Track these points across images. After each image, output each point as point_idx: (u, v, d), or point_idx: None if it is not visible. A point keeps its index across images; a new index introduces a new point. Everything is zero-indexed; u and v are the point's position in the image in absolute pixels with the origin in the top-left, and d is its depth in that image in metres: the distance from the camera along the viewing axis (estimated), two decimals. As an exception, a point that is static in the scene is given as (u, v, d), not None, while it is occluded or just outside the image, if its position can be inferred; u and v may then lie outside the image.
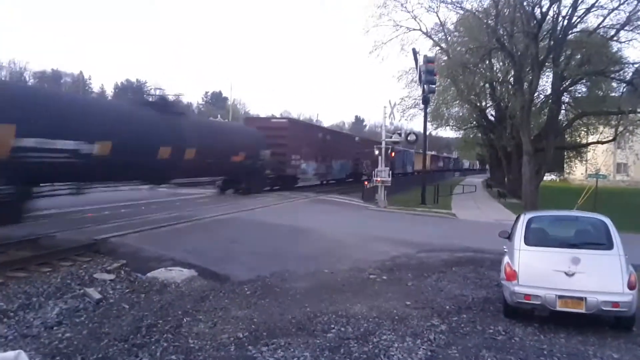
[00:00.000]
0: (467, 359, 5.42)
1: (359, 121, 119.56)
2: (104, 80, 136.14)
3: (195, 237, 11.90)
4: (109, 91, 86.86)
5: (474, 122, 38.68)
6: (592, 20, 25.34)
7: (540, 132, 29.68)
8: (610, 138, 31.35)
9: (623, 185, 53.79)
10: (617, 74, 26.36)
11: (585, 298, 6.22)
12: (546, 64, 25.41)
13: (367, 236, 13.51)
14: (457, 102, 34.35)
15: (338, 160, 36.47)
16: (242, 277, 8.62)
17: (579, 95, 31.29)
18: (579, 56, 26.27)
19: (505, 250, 7.73)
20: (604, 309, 6.22)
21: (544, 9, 23.20)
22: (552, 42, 24.44)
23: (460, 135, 47.45)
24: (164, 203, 18.82)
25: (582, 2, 23.16)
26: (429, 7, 28.33)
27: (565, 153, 38.42)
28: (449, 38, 30.94)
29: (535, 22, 22.91)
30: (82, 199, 14.44)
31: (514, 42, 24.14)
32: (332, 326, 6.32)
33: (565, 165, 41.88)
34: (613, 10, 23.15)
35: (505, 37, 24.16)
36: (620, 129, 29.61)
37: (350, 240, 12.80)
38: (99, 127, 13.20)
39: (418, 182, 34.37)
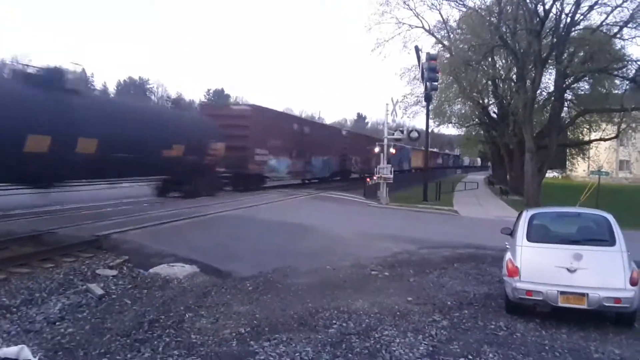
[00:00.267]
0: (469, 354, 5.42)
1: (361, 118, 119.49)
2: (106, 77, 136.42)
3: (197, 234, 11.92)
4: (112, 89, 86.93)
5: (477, 120, 38.68)
6: (595, 18, 25.45)
7: (542, 129, 29.68)
8: (613, 135, 31.30)
9: (626, 182, 53.69)
10: (620, 71, 26.33)
11: (587, 294, 6.22)
12: (549, 61, 25.41)
13: (368, 233, 13.52)
14: (460, 99, 34.35)
15: (320, 156, 32.12)
16: (244, 273, 8.64)
17: (582, 92, 31.28)
18: (581, 53, 26.25)
19: (507, 246, 7.73)
20: (606, 304, 6.23)
21: (546, 7, 23.20)
22: (554, 40, 24.41)
23: (463, 133, 47.46)
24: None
25: (585, -1, 23.09)
26: (432, 4, 28.37)
27: (568, 150, 38.40)
28: (452, 35, 30.96)
29: (538, 19, 22.88)
30: (84, 195, 14.47)
31: (517, 39, 24.13)
32: (334, 322, 6.33)
33: (567, 162, 41.83)
34: (616, 7, 23.13)
35: (508, 34, 24.14)
36: (623, 126, 29.58)
37: (352, 237, 12.81)
38: None
39: (420, 179, 34.38)
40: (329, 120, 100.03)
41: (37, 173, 12.56)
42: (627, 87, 26.95)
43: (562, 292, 6.31)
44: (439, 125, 40.17)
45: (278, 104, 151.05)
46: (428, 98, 26.48)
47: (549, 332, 6.25)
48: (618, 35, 24.79)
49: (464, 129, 44.20)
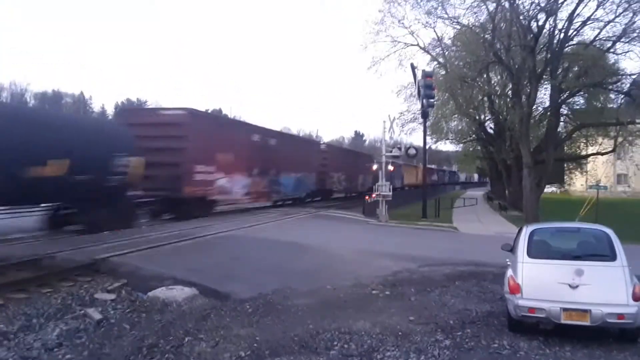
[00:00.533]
0: (472, 374, 5.35)
1: (358, 136, 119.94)
2: (104, 100, 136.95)
3: (196, 255, 11.85)
4: (110, 111, 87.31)
5: (473, 135, 38.80)
6: (588, 33, 25.55)
7: (539, 144, 29.76)
8: (610, 149, 31.41)
9: (624, 196, 53.72)
10: (615, 85, 26.52)
11: (590, 310, 6.16)
12: (544, 76, 25.59)
13: (368, 251, 13.45)
14: (456, 115, 34.51)
15: (291, 173, 27.84)
16: (243, 295, 8.56)
17: (578, 107, 31.46)
18: (576, 68, 26.50)
19: (508, 263, 7.68)
20: (609, 321, 6.16)
21: (540, 23, 23.45)
22: (549, 55, 24.64)
23: (460, 149, 47.59)
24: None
25: (578, 15, 23.39)
26: (426, 22, 28.59)
27: (565, 165, 38.45)
28: (447, 53, 31.21)
29: (531, 35, 23.11)
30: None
31: (511, 55, 24.33)
32: (335, 343, 6.26)
33: (565, 177, 41.88)
34: (609, 22, 23.36)
35: (502, 51, 24.35)
36: (620, 139, 29.68)
37: (352, 256, 12.74)
38: None
39: (415, 196, 34.30)
40: (326, 138, 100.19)
41: None
42: (622, 101, 27.12)
43: (564, 309, 6.25)
44: (436, 141, 40.28)
45: (276, 123, 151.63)
46: (425, 115, 26.61)
47: (552, 350, 6.18)
48: (611, 50, 25.03)
49: (461, 145, 44.34)
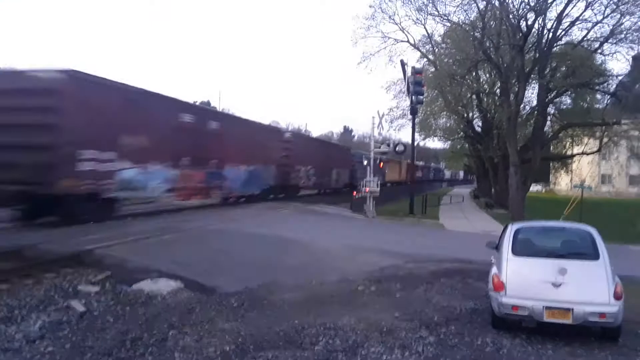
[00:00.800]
0: (456, 371, 5.39)
1: (347, 131, 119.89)
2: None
3: (182, 248, 11.78)
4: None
5: (461, 133, 39.07)
6: (576, 33, 25.95)
7: (526, 143, 30.07)
8: (595, 149, 31.81)
9: (608, 196, 54.47)
10: (601, 86, 26.86)
11: (572, 309, 6.24)
12: (532, 75, 25.84)
13: (355, 247, 13.48)
14: (445, 113, 34.72)
15: (242, 165, 22.99)
16: (229, 289, 8.53)
17: (564, 107, 31.81)
18: (564, 68, 26.79)
19: (493, 261, 7.75)
20: (591, 320, 6.24)
21: (529, 22, 23.64)
22: (537, 55, 24.87)
23: (448, 146, 47.87)
24: None
25: (566, 15, 23.63)
26: (417, 19, 28.71)
27: (551, 164, 38.90)
28: (437, 50, 31.35)
29: (520, 34, 23.29)
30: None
31: (500, 54, 24.52)
32: (320, 338, 6.26)
33: (550, 176, 42.38)
34: (597, 23, 23.65)
35: (491, 49, 24.52)
36: (605, 140, 30.08)
37: (338, 251, 12.75)
38: None
39: (399, 192, 34.42)
40: (315, 132, 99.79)
41: None
42: (608, 101, 27.49)
43: (547, 307, 6.32)
44: (424, 138, 40.53)
45: (265, 116, 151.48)
46: (414, 111, 26.71)
47: (535, 348, 6.25)
48: (599, 51, 25.35)
49: (449, 142, 44.61)
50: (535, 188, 52.84)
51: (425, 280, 9.88)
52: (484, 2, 23.10)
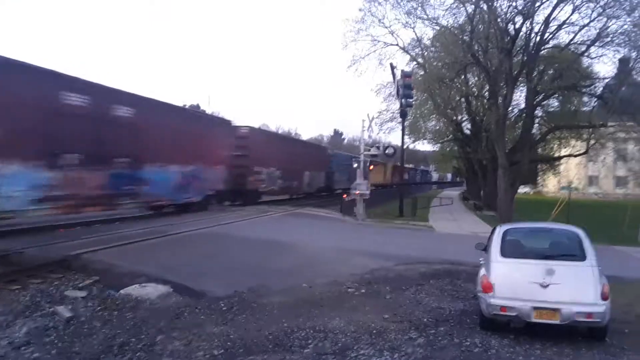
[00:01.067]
0: (445, 372, 5.40)
1: (337, 135, 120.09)
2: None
3: (171, 252, 11.70)
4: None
5: (451, 136, 39.29)
6: (563, 37, 26.06)
7: (514, 145, 30.28)
8: (582, 151, 32.14)
9: (595, 198, 55.04)
10: (588, 88, 27.14)
11: (560, 309, 6.28)
12: (520, 78, 26.05)
13: (345, 249, 13.48)
14: (434, 115, 34.91)
15: (172, 165, 18.33)
16: (218, 293, 8.48)
17: (552, 109, 32.10)
18: (551, 71, 27.02)
19: (482, 262, 7.79)
20: (578, 319, 6.30)
21: (517, 26, 23.83)
22: (525, 58, 25.06)
23: (437, 149, 48.11)
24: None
25: (553, 19, 23.83)
26: (406, 23, 28.79)
27: (539, 166, 39.23)
28: (426, 53, 31.50)
29: (508, 38, 23.48)
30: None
31: (489, 57, 24.67)
32: (310, 341, 6.25)
33: (538, 178, 42.75)
34: (584, 27, 23.88)
35: (480, 52, 24.68)
36: (592, 142, 30.40)
37: (328, 254, 12.74)
38: None
39: (390, 195, 34.43)
40: (306, 136, 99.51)
41: None
42: (595, 104, 27.78)
43: (535, 308, 6.36)
44: (414, 141, 40.67)
45: (255, 120, 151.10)
46: (403, 114, 26.82)
47: (523, 348, 6.28)
48: (586, 54, 25.59)
49: (438, 145, 44.84)
50: (523, 190, 53.30)
51: (414, 282, 9.92)
52: (473, 6, 23.25)
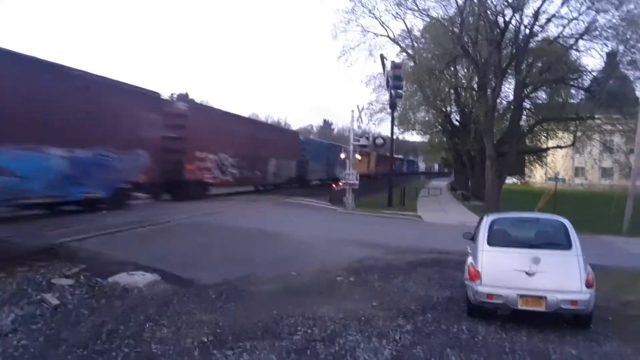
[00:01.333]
0: (432, 358, 5.47)
1: (327, 125, 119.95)
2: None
3: (159, 241, 11.66)
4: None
5: (439, 127, 39.45)
6: (552, 30, 26.24)
7: (502, 136, 30.51)
8: (569, 143, 32.46)
9: (581, 189, 55.66)
10: (576, 81, 27.38)
11: (545, 297, 6.38)
12: (508, 71, 26.20)
13: (334, 239, 13.53)
14: (424, 107, 34.99)
15: (64, 146, 13.82)
16: (207, 281, 8.48)
17: (540, 101, 32.35)
18: (540, 64, 27.22)
19: (469, 251, 7.87)
20: (563, 307, 6.40)
21: (506, 18, 23.94)
22: (514, 50, 25.21)
23: (427, 140, 48.30)
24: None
25: (543, 12, 23.99)
26: (396, 14, 28.80)
27: (527, 157, 39.56)
28: (416, 44, 31.55)
29: (498, 30, 23.59)
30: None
31: (478, 49, 24.79)
32: (299, 328, 6.28)
33: (525, 169, 43.11)
34: (572, 20, 24.07)
35: (469, 44, 24.78)
36: (579, 134, 30.70)
37: (318, 243, 12.78)
38: None
39: (381, 185, 34.54)
40: (295, 126, 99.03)
41: None
42: (582, 97, 28.04)
43: (521, 295, 6.46)
44: (403, 132, 40.80)
45: (244, 109, 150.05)
46: (393, 105, 26.87)
47: (509, 335, 6.38)
48: (574, 47, 25.81)
49: (427, 136, 45.00)
50: (511, 180, 53.69)
51: (403, 270, 9.99)
52: (463, -2, 23.32)
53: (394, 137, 31.09)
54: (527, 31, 24.66)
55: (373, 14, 29.36)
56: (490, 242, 7.22)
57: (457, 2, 24.08)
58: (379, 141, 26.74)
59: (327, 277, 9.24)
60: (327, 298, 7.72)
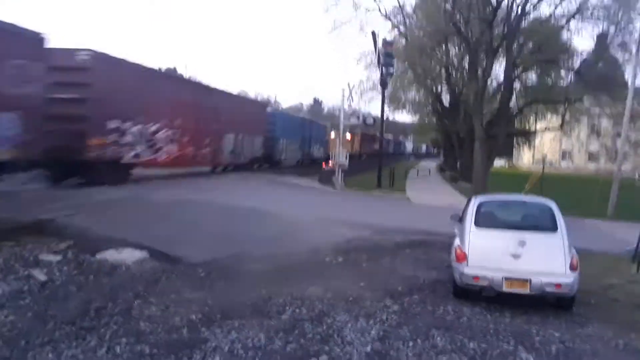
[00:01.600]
0: (418, 338, 5.56)
1: (317, 103, 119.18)
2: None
3: (148, 218, 11.60)
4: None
5: (429, 107, 39.40)
6: (544, 9, 26.22)
7: (492, 118, 30.56)
8: (557, 126, 32.65)
9: (568, 172, 56.32)
10: (567, 62, 27.42)
11: (530, 280, 6.48)
12: (499, 51, 26.09)
13: (323, 218, 13.57)
14: (414, 86, 34.84)
15: None
16: (196, 259, 8.48)
17: (530, 83, 32.39)
18: (531, 44, 27.12)
19: (456, 232, 7.94)
20: (547, 290, 6.51)
21: (499, -4, 23.72)
22: (506, 30, 25.06)
23: (417, 120, 48.32)
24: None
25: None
26: (389, -12, 28.40)
27: (515, 139, 39.80)
28: (408, 21, 31.27)
29: (490, 8, 23.41)
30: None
31: (470, 27, 24.61)
32: (287, 308, 6.34)
33: (514, 152, 43.41)
34: (564, -1, 23.93)
35: (461, 22, 24.57)
36: (567, 117, 30.88)
37: (307, 223, 12.80)
38: None
39: (370, 165, 34.61)
40: (285, 104, 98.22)
41: None
42: (572, 79, 28.12)
43: (506, 278, 6.55)
44: (394, 110, 40.69)
45: (233, 86, 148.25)
46: (384, 83, 26.73)
47: (493, 316, 6.50)
48: (565, 27, 25.77)
49: (417, 116, 45.00)
50: (498, 163, 54.10)
51: (391, 251, 10.09)
52: (456, -26, 23.04)
53: (385, 117, 31.01)
54: (519, 10, 24.53)
55: (365, -13, 28.97)
56: (478, 224, 7.29)
57: (450, -21, 23.83)
58: (369, 120, 26.71)
59: (315, 257, 9.29)
60: (315, 278, 7.77)
